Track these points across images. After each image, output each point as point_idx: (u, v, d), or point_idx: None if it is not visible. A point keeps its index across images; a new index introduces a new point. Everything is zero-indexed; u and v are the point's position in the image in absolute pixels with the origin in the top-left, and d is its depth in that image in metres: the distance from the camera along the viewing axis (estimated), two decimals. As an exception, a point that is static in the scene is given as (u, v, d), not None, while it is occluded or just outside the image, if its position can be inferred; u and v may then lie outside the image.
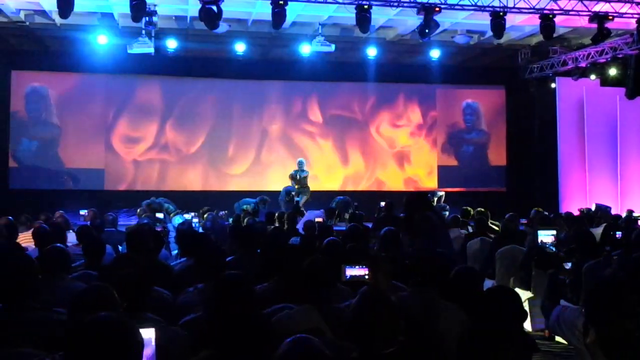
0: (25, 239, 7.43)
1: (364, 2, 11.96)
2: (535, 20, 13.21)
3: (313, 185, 16.77)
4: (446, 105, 19.04)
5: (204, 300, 3.54)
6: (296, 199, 14.60)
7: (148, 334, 2.71)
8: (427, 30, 12.69)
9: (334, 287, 3.95)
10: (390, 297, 2.90)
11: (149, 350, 2.67)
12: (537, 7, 12.56)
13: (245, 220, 10.52)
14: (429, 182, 18.57)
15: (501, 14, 12.49)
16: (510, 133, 19.19)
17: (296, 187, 15.21)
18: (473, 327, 2.12)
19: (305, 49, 15.33)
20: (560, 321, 3.45)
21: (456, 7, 12.59)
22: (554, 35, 13.22)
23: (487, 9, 12.50)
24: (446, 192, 16.54)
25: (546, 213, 11.07)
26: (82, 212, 11.86)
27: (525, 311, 3.02)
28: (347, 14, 12.82)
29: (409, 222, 6.51)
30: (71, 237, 7.56)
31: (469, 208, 11.66)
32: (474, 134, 19.22)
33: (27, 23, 14.41)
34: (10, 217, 8.07)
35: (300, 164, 15.43)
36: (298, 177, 15.31)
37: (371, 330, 2.73)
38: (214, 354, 2.81)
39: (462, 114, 19.17)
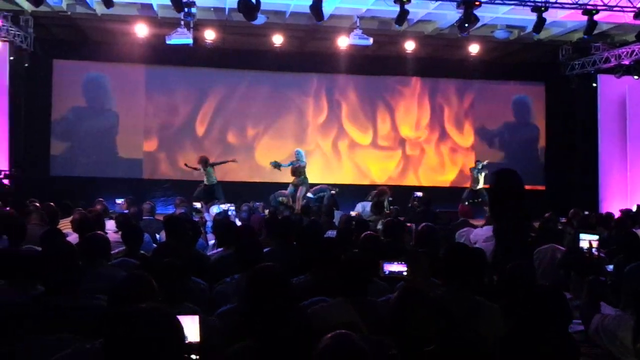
0: (65, 226, 7.55)
1: (404, -5, 11.89)
2: (577, 16, 13.01)
3: (349, 178, 16.80)
4: (484, 101, 18.82)
5: (241, 292, 3.55)
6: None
7: (192, 321, 2.73)
8: (466, 25, 12.58)
9: (371, 282, 3.93)
10: (429, 295, 2.87)
11: (193, 337, 2.68)
12: (580, 2, 12.35)
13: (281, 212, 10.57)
14: (465, 179, 18.40)
15: (543, 9, 12.32)
16: (549, 130, 18.92)
17: (293, 179, 14.84)
18: (517, 326, 2.08)
19: (343, 42, 15.28)
20: (600, 330, 3.39)
21: (497, 1, 12.45)
22: (597, 31, 12.99)
23: (529, 3, 12.34)
24: (482, 189, 16.36)
25: (586, 212, 10.91)
26: (119, 200, 11.99)
27: (571, 313, 2.97)
28: (386, 7, 12.76)
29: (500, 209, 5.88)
30: (109, 225, 7.66)
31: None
32: (515, 130, 18.97)
33: (69, 13, 14.59)
34: (51, 203, 8.22)
35: (298, 154, 14.94)
36: (299, 167, 14.85)
37: (410, 327, 2.71)
38: (250, 345, 2.82)
39: (511, 107, 18.92)
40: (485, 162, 16.37)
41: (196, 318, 2.77)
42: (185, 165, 15.47)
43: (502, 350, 2.04)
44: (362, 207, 10.94)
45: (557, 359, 2.27)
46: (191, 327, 2.69)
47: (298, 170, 14.70)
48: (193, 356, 2.62)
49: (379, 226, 8.91)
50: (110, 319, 2.03)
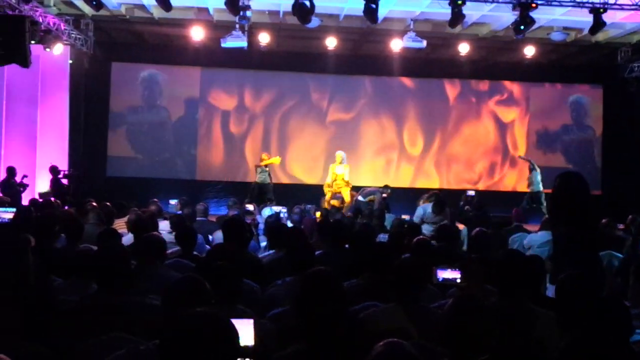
0: (120, 226, 7.69)
1: (458, -2, 11.78)
2: (636, 17, 12.69)
3: (401, 182, 16.73)
4: (540, 104, 18.50)
5: (294, 295, 3.57)
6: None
7: (247, 324, 2.75)
8: (522, 27, 12.40)
9: (424, 288, 3.90)
10: (483, 302, 2.84)
11: (247, 341, 2.71)
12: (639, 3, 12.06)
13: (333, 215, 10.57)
14: (520, 183, 18.12)
15: (601, 10, 12.05)
16: (606, 133, 18.50)
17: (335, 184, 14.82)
18: (576, 337, 2.03)
19: (397, 45, 15.21)
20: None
21: (554, 3, 12.23)
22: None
23: (587, 5, 12.09)
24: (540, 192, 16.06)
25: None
26: (172, 201, 12.15)
27: (632, 324, 2.90)
28: (440, 10, 12.66)
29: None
30: (162, 225, 7.76)
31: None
32: (572, 133, 18.60)
33: (128, 17, 14.90)
34: (108, 203, 8.39)
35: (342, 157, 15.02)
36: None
37: (463, 335, 2.68)
38: (302, 349, 2.82)
39: (568, 110, 18.56)
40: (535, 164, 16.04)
41: (251, 321, 2.80)
42: (257, 166, 15.66)
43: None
44: (423, 210, 10.41)
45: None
46: (246, 330, 2.71)
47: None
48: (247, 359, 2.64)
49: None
50: (167, 321, 2.06)
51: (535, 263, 4.51)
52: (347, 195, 14.85)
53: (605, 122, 18.46)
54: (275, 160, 15.86)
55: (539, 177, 15.77)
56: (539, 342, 3.36)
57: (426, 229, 9.59)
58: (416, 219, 10.19)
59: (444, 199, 11.26)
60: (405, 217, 11.52)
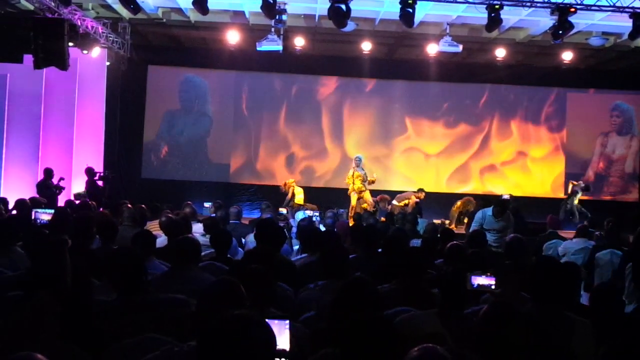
0: (154, 227, 7.75)
1: (496, 2, 11.67)
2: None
3: (439, 187, 16.67)
4: (578, 109, 18.24)
5: (327, 299, 3.56)
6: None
7: (283, 325, 2.76)
8: (560, 32, 12.25)
9: (466, 297, 3.87)
10: (518, 310, 2.80)
11: (283, 342, 2.71)
12: (682, 8, 11.83)
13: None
14: (556, 190, 17.91)
15: (641, 15, 11.85)
16: (646, 140, 18.21)
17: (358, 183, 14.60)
18: (615, 347, 2.00)
19: (432, 49, 15.14)
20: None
21: (593, 7, 12.06)
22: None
23: (627, 10, 11.89)
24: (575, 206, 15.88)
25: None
26: (206, 204, 12.22)
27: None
28: (477, 14, 12.56)
29: None
30: (196, 228, 7.80)
31: (594, 218, 11.19)
32: (608, 140, 18.31)
33: (164, 20, 15.04)
34: (143, 205, 8.46)
35: (358, 160, 14.82)
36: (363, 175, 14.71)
37: (498, 342, 2.65)
38: (336, 353, 2.81)
39: (607, 117, 18.30)
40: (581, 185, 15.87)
41: (287, 323, 2.80)
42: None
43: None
44: (483, 214, 9.49)
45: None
46: (281, 333, 2.71)
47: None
48: (282, 360, 2.64)
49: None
50: (204, 323, 2.07)
51: (570, 270, 4.44)
52: (368, 199, 14.74)
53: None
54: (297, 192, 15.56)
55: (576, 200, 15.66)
56: (573, 349, 3.31)
57: (489, 239, 8.53)
58: (475, 224, 9.33)
59: (506, 202, 10.28)
60: (437, 221, 11.47)
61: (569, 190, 16.16)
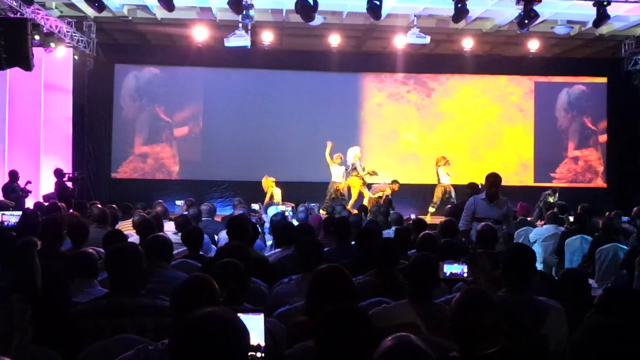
0: (126, 227, 7.69)
1: (461, -7, 11.75)
2: (640, 10, 12.65)
3: (417, 178, 16.73)
4: (545, 97, 18.44)
5: (302, 292, 3.56)
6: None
7: (257, 319, 2.74)
8: (526, 21, 12.37)
9: (435, 284, 3.89)
10: (491, 296, 2.82)
11: (258, 335, 2.70)
12: (644, -5, 12.01)
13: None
14: (524, 176, 18.08)
15: (605, 3, 12.00)
16: (611, 126, 18.42)
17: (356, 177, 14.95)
18: (588, 329, 2.01)
19: (400, 41, 15.18)
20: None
21: (557, -4, 12.22)
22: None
23: (591, -2, 12.05)
24: (543, 187, 16.03)
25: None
26: (178, 202, 12.16)
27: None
28: (444, 5, 12.64)
29: None
30: (168, 226, 7.76)
31: (566, 204, 11.34)
32: (575, 127, 18.53)
33: (130, 18, 14.91)
34: (113, 205, 8.39)
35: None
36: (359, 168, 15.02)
37: (472, 329, 2.67)
38: (311, 346, 2.81)
39: (572, 103, 18.50)
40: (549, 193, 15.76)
41: (261, 317, 2.78)
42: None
43: (574, 353, 1.97)
44: (474, 200, 7.74)
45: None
46: (256, 327, 2.70)
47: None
48: (258, 354, 2.63)
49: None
50: (177, 322, 2.05)
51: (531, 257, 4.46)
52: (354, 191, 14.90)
53: (610, 115, 18.39)
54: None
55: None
56: (546, 334, 3.34)
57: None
58: (466, 211, 7.74)
59: (496, 179, 7.78)
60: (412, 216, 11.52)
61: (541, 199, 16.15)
